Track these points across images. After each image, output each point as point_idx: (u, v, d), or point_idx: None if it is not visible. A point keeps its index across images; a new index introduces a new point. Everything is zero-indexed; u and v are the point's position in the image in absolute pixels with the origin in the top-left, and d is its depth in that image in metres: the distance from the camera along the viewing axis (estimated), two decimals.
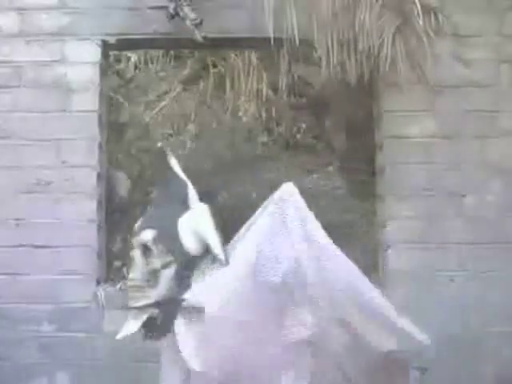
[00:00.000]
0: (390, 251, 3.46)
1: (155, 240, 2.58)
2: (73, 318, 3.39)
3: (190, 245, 2.60)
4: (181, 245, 2.59)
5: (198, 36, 3.34)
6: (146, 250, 2.59)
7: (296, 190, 2.56)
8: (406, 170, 3.50)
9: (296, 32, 3.23)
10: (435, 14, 3.32)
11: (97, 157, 3.49)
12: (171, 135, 4.27)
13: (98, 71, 3.52)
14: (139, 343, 3.37)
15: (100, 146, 3.52)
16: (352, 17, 3.21)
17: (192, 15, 3.32)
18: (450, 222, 3.47)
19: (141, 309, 2.59)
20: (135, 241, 2.61)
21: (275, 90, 4.23)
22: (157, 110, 4.30)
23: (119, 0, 3.52)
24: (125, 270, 3.74)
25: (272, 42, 3.30)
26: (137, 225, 2.64)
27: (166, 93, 4.34)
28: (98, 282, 3.46)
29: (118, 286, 3.49)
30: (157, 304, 2.58)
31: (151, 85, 4.37)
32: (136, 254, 2.60)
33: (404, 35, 3.27)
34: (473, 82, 3.51)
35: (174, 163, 2.78)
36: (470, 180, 3.48)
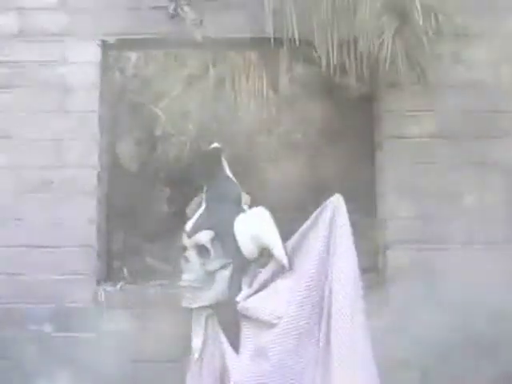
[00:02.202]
0: (389, 251, 3.46)
1: (213, 241, 2.54)
2: (73, 318, 3.39)
3: (247, 248, 2.56)
4: (237, 247, 2.55)
5: (198, 36, 3.34)
6: (201, 251, 2.55)
7: (344, 208, 2.56)
8: (406, 169, 3.50)
9: (296, 32, 3.23)
10: (435, 14, 3.32)
11: (97, 157, 3.50)
12: (172, 135, 4.26)
13: (98, 71, 3.52)
14: (139, 343, 3.39)
15: (100, 146, 3.53)
16: (352, 17, 3.21)
17: (192, 15, 3.32)
18: (450, 221, 3.47)
19: (196, 310, 2.57)
20: (190, 241, 2.56)
21: (275, 89, 4.22)
22: (157, 110, 4.29)
23: (119, 0, 3.52)
24: (125, 270, 3.74)
25: (272, 42, 3.30)
26: (189, 225, 2.59)
27: (165, 93, 4.33)
28: (98, 282, 3.46)
29: (118, 286, 3.49)
30: (211, 306, 2.55)
31: (151, 85, 4.36)
32: (191, 254, 2.56)
33: (404, 35, 3.27)
34: (473, 82, 3.51)
35: (226, 164, 2.75)
36: (470, 180, 3.48)
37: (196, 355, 2.61)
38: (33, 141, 3.48)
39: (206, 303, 2.56)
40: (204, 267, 2.55)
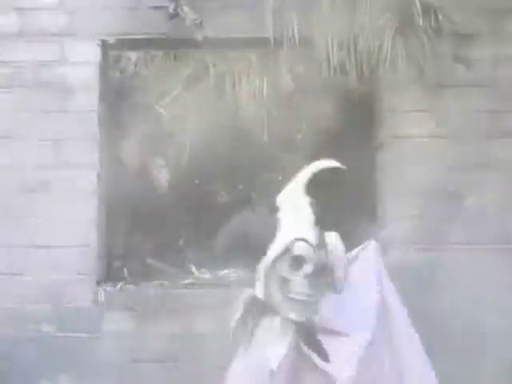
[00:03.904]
0: (390, 251, 3.46)
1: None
2: (73, 318, 3.39)
3: None
4: None
5: (198, 36, 3.34)
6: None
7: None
8: (406, 169, 3.50)
9: (296, 32, 3.23)
10: (435, 14, 3.32)
11: (97, 157, 3.50)
12: (172, 135, 4.26)
13: (97, 71, 3.53)
14: (139, 343, 3.40)
15: (100, 146, 3.53)
16: (352, 17, 3.21)
17: (192, 15, 3.33)
18: (450, 222, 3.47)
19: (286, 320, 2.58)
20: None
21: (275, 89, 4.22)
22: (156, 110, 4.29)
23: (119, 0, 3.52)
24: (125, 270, 3.74)
25: (272, 42, 3.30)
26: (311, 238, 2.59)
27: (165, 93, 4.33)
28: (98, 283, 3.46)
29: (118, 286, 3.50)
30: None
31: (151, 85, 4.36)
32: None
33: (404, 35, 3.27)
34: (473, 82, 3.51)
35: None
36: (470, 180, 3.49)
37: (276, 364, 2.57)
38: (33, 141, 3.48)
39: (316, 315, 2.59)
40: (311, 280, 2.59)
